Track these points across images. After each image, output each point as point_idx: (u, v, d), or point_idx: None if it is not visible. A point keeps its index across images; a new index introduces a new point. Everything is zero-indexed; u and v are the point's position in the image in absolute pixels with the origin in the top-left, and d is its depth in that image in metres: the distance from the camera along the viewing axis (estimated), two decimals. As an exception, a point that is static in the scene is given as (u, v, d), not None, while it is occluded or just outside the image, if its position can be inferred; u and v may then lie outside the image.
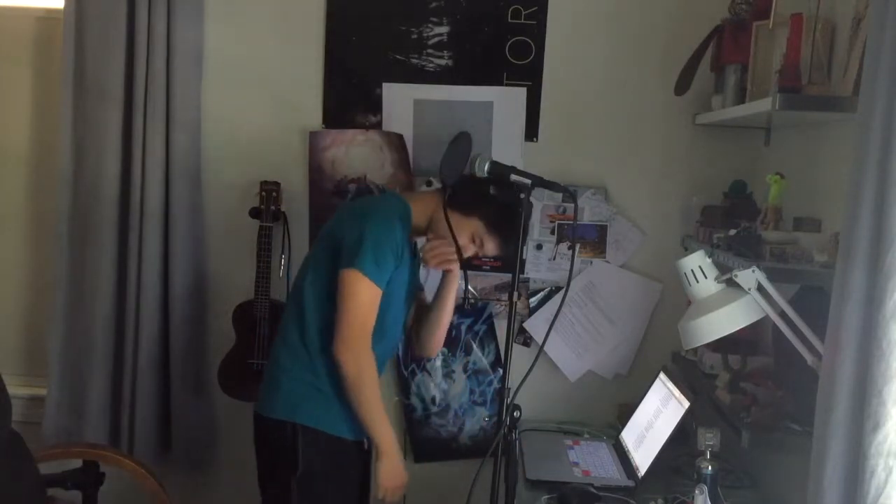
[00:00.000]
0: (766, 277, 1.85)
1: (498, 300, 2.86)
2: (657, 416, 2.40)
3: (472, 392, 2.88)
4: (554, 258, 2.83)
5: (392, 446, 2.16)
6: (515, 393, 1.95)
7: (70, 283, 2.84)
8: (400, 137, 2.78)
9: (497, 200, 2.12)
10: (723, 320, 1.88)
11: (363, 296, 2.09)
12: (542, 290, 2.85)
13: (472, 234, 2.19)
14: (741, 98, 2.38)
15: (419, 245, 2.34)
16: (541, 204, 2.79)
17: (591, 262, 2.83)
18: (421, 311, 2.44)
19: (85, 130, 2.79)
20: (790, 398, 2.01)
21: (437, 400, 2.87)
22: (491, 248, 2.22)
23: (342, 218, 2.24)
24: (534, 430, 2.69)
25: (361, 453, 2.30)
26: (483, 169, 2.10)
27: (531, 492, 2.23)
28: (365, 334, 2.10)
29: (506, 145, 2.74)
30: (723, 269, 1.98)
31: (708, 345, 2.16)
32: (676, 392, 2.35)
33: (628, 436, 2.54)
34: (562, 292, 2.70)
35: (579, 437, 2.69)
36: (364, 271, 2.07)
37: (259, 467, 2.26)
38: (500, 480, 1.95)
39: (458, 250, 2.17)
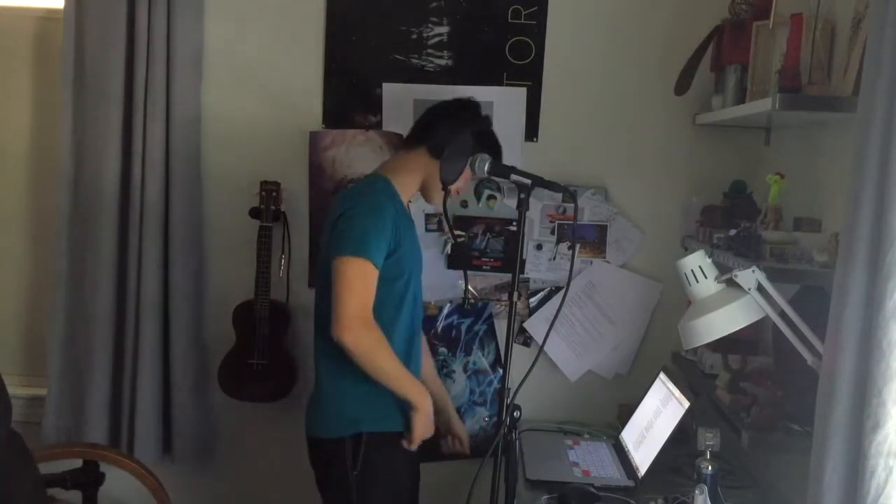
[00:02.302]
0: (766, 277, 1.85)
1: (498, 300, 2.86)
2: (657, 416, 2.40)
3: (472, 392, 2.87)
4: (554, 258, 2.83)
5: (424, 400, 2.18)
6: (515, 393, 1.96)
7: (70, 283, 2.83)
8: (400, 137, 2.77)
9: (476, 137, 2.23)
10: (723, 320, 1.88)
11: (357, 277, 2.10)
12: (542, 290, 2.85)
13: (467, 178, 2.30)
14: (741, 98, 2.38)
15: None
16: (541, 204, 2.79)
17: (591, 262, 2.83)
18: None
19: (85, 130, 2.78)
20: (790, 398, 2.00)
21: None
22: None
23: (334, 210, 2.24)
24: (534, 430, 2.69)
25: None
26: (483, 169, 2.12)
27: (531, 492, 2.23)
28: (365, 314, 2.10)
29: (506, 145, 2.71)
30: (723, 269, 1.98)
31: (708, 345, 2.16)
32: (676, 392, 2.35)
33: (628, 436, 2.54)
34: (562, 292, 2.70)
35: (579, 437, 2.69)
36: (356, 254, 2.09)
37: (317, 476, 2.29)
38: (500, 480, 1.95)
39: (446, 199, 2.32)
